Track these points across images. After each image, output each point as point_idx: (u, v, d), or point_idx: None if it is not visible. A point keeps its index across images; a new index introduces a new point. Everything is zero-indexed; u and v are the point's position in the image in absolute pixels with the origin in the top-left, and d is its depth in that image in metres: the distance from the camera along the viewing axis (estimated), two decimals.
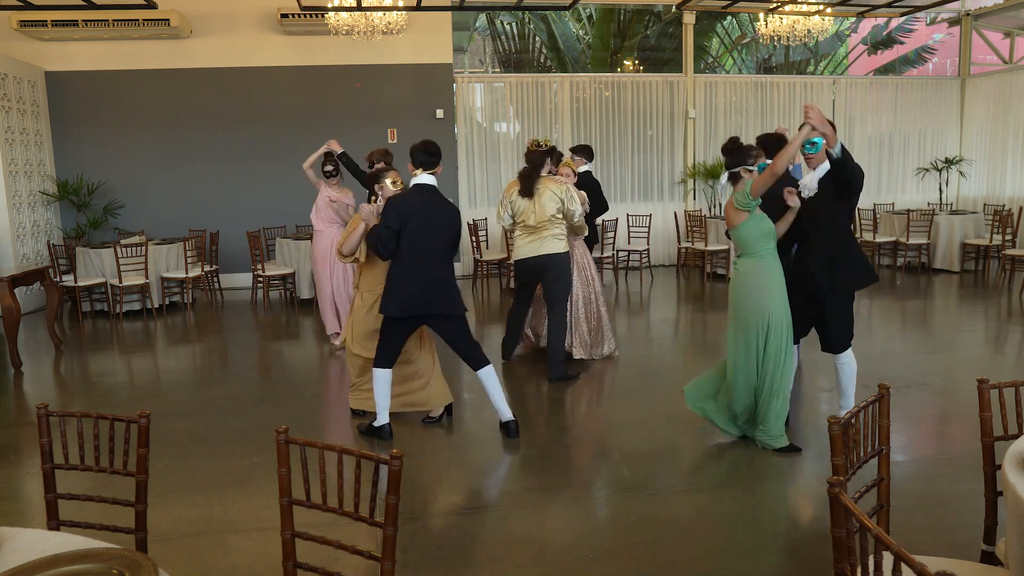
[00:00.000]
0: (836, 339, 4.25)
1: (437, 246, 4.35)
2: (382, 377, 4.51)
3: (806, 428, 4.66)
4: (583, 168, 6.92)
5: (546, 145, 5.81)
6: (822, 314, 4.23)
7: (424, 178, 4.41)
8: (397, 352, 4.52)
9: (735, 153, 4.18)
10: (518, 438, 4.57)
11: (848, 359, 4.30)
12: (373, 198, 4.59)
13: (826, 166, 4.10)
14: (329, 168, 6.79)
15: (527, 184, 5.64)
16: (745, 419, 4.34)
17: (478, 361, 4.56)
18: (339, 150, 6.72)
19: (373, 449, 4.34)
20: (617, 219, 10.19)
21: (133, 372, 6.59)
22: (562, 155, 6.15)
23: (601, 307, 6.29)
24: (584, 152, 7.12)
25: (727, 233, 4.29)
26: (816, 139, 4.08)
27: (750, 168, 4.14)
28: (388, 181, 4.52)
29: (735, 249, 4.24)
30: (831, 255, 4.14)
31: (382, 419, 4.58)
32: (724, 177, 4.23)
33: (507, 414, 4.59)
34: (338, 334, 6.92)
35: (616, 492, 3.85)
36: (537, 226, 5.61)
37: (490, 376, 4.56)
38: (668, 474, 4.08)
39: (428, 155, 4.42)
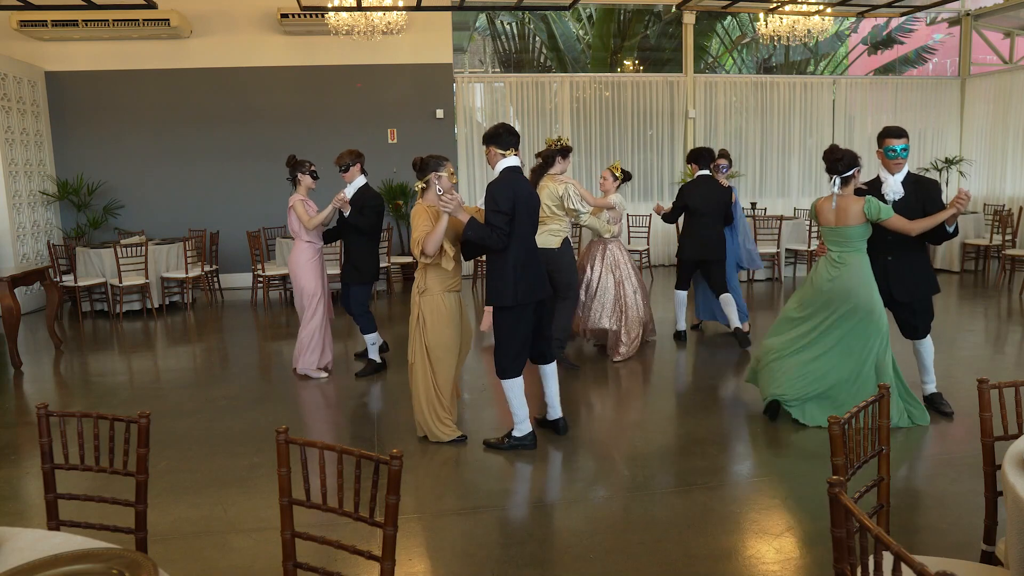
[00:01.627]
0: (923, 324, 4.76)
1: (531, 228, 4.23)
2: (517, 386, 4.24)
3: (806, 428, 4.67)
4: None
5: (563, 144, 5.83)
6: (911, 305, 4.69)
7: (514, 159, 4.23)
8: (524, 353, 4.26)
9: (846, 159, 4.35)
10: (566, 435, 4.56)
11: (930, 342, 4.83)
12: (420, 189, 4.39)
13: (905, 170, 4.48)
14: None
15: (533, 180, 5.68)
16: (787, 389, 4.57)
17: (547, 356, 4.48)
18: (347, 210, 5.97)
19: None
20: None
21: (133, 372, 6.59)
22: (567, 151, 5.95)
23: (630, 308, 6.28)
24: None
25: (819, 228, 4.59)
26: (898, 146, 4.44)
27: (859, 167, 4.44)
28: (445, 173, 4.31)
29: (830, 245, 4.48)
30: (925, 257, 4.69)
31: (526, 428, 4.33)
32: (837, 182, 4.38)
33: (557, 412, 4.58)
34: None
35: (616, 492, 3.85)
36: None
37: (553, 374, 4.52)
38: (668, 474, 4.08)
39: (513, 135, 4.24)
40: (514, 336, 4.20)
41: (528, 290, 4.13)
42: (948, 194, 12.04)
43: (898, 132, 4.44)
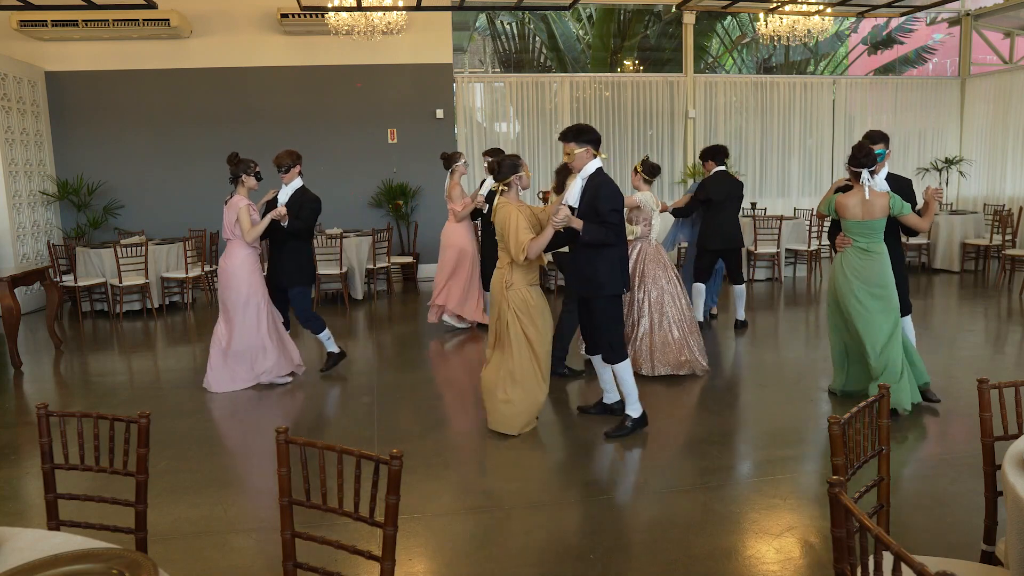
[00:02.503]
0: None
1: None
2: (629, 368, 4.50)
3: (806, 428, 4.67)
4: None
5: None
6: None
7: (600, 160, 4.41)
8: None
9: (869, 156, 4.71)
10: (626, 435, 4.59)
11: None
12: (501, 190, 4.44)
13: (886, 170, 4.92)
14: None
15: (558, 181, 5.67)
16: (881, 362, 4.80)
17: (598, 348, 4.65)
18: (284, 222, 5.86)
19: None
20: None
21: (133, 372, 6.59)
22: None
23: (667, 325, 5.74)
24: (492, 153, 6.90)
25: (843, 222, 4.88)
26: (882, 150, 4.90)
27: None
28: (525, 174, 4.47)
29: (857, 237, 4.81)
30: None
31: (639, 408, 4.55)
32: (868, 176, 4.72)
33: (615, 395, 4.79)
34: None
35: (616, 492, 3.85)
36: None
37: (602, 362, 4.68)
38: (668, 474, 4.08)
39: (599, 136, 4.45)
40: (618, 321, 4.48)
41: (627, 279, 4.46)
42: (947, 196, 12.04)
43: (882, 137, 4.97)
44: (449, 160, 7.26)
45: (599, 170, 4.35)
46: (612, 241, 4.25)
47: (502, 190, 4.44)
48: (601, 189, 4.25)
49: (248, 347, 5.62)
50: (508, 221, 4.27)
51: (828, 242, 5.55)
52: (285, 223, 5.66)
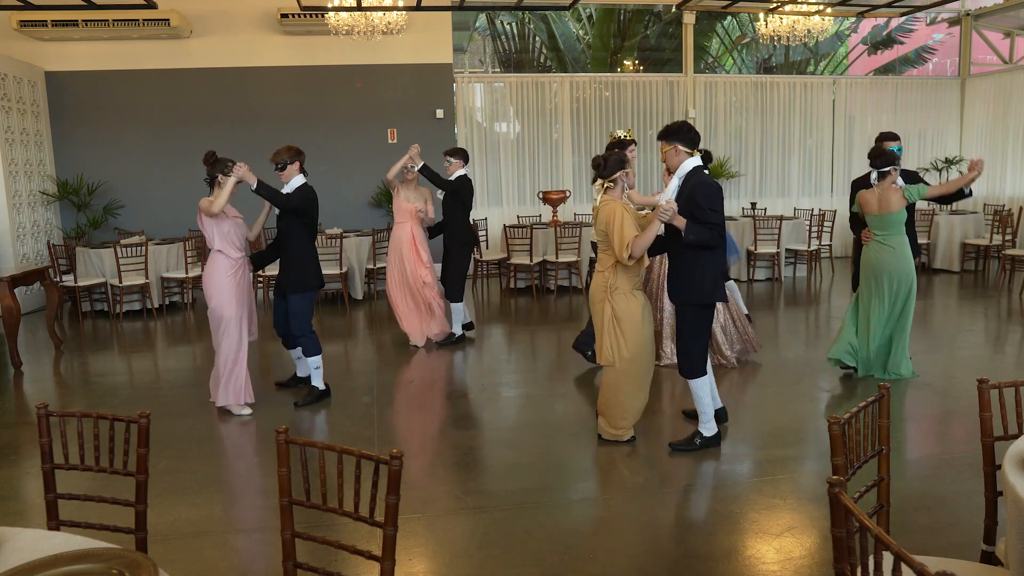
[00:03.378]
0: None
1: None
2: (707, 384, 4.28)
3: (806, 428, 4.67)
4: (459, 172, 6.76)
5: (628, 136, 5.84)
6: None
7: (699, 159, 4.26)
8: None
9: (885, 156, 5.17)
10: (725, 423, 4.64)
11: None
12: (605, 187, 4.27)
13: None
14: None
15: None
16: (874, 358, 5.46)
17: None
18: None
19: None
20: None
21: (133, 372, 6.59)
22: (625, 144, 5.74)
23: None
24: (460, 155, 6.82)
25: (863, 216, 5.40)
26: (895, 147, 5.51)
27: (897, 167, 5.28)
28: (630, 170, 4.36)
29: (875, 230, 5.31)
30: None
31: (714, 427, 4.33)
32: (875, 175, 5.23)
33: (719, 402, 4.63)
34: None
35: (616, 492, 3.85)
36: None
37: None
38: (668, 474, 4.08)
39: (698, 135, 4.29)
40: (706, 333, 4.25)
41: (723, 290, 4.26)
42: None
43: (894, 135, 5.70)
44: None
45: (696, 168, 4.18)
46: (716, 243, 4.04)
47: (607, 187, 4.22)
48: (698, 188, 4.06)
49: (223, 364, 5.10)
50: (613, 218, 4.06)
51: (853, 235, 5.87)
52: (254, 185, 5.12)
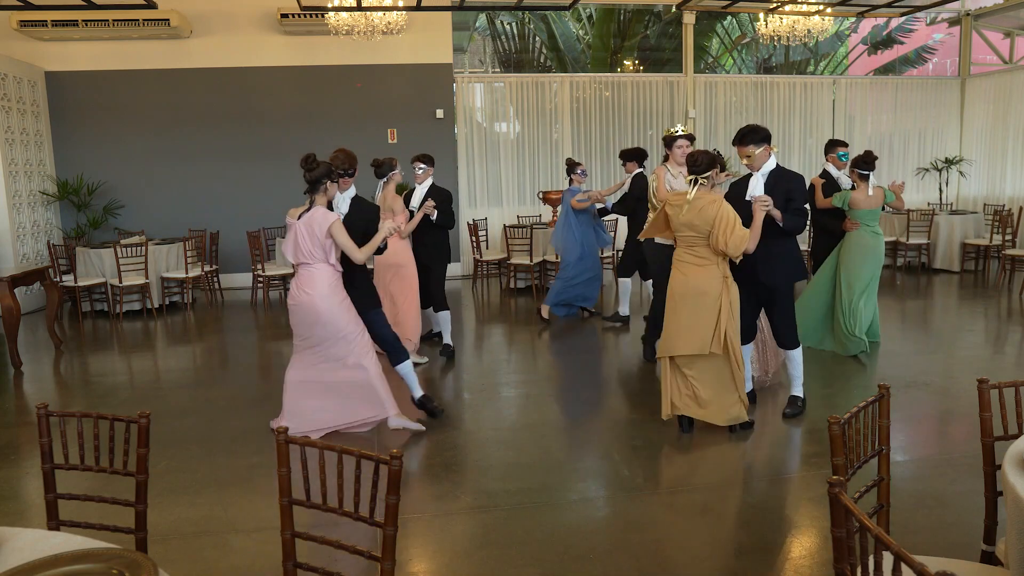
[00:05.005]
0: None
1: None
2: (801, 352, 4.85)
3: (806, 428, 4.67)
4: (430, 180, 6.43)
5: (684, 132, 5.93)
6: None
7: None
8: None
9: (871, 161, 6.03)
10: (801, 415, 4.85)
11: None
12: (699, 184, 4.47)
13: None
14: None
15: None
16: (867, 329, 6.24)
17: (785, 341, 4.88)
18: (434, 214, 6.15)
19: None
20: (617, 219, 10.17)
21: (133, 372, 6.59)
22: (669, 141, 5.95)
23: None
24: (427, 160, 6.45)
25: (855, 212, 6.13)
26: (843, 153, 6.50)
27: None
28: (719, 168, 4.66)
29: (868, 221, 6.13)
30: None
31: (800, 390, 4.91)
32: (858, 175, 6.11)
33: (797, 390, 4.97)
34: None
35: (616, 492, 3.85)
36: None
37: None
38: (668, 474, 4.08)
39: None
40: (794, 308, 4.80)
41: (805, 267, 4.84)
42: (947, 196, 12.04)
43: (844, 143, 6.55)
44: (383, 167, 6.08)
45: (777, 165, 4.61)
46: (803, 230, 4.63)
47: (700, 184, 4.33)
48: (794, 182, 4.55)
49: (376, 378, 4.60)
50: (727, 215, 4.21)
51: (815, 229, 6.67)
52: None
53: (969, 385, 5.28)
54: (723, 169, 5.15)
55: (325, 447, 2.02)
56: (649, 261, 6.11)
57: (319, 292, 4.38)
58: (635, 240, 7.15)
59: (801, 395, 4.88)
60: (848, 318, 6.12)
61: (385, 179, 6.05)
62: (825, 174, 6.48)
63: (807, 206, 4.64)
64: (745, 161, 4.53)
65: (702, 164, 4.32)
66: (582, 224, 7.63)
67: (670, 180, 5.87)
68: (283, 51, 10.30)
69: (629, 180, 7.26)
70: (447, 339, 6.67)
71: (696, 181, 4.32)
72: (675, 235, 4.49)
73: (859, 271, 6.12)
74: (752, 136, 4.47)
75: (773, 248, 4.49)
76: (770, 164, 4.54)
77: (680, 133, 5.89)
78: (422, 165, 6.36)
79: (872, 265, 6.14)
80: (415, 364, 5.83)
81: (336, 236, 4.32)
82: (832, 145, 6.60)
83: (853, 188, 6.13)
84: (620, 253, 7.61)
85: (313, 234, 4.31)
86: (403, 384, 4.92)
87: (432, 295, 6.56)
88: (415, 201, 6.33)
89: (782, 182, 4.51)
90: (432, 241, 6.44)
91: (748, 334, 4.75)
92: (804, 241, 9.38)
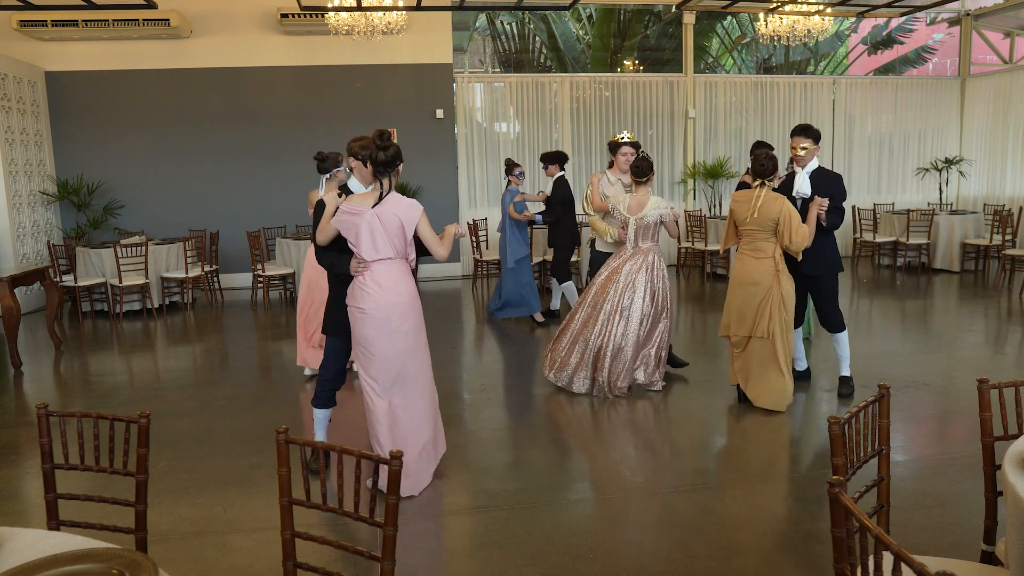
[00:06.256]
0: None
1: None
2: (846, 336, 5.20)
3: (806, 428, 4.67)
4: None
5: (631, 140, 5.99)
6: None
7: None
8: None
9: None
10: (851, 395, 5.13)
11: None
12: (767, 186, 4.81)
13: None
14: None
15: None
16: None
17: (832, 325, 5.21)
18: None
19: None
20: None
21: (133, 372, 6.59)
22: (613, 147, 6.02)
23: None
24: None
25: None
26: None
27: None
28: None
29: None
30: None
31: (848, 370, 5.24)
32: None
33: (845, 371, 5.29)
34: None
35: (616, 492, 3.85)
36: None
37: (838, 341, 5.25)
38: (668, 474, 4.08)
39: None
40: (837, 296, 5.15)
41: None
42: (947, 196, 12.04)
43: (770, 145, 6.19)
44: (327, 162, 5.42)
45: (820, 166, 4.99)
46: (841, 224, 5.01)
47: (762, 183, 4.77)
48: (834, 182, 4.93)
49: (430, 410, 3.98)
50: (790, 213, 4.69)
51: None
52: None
53: (969, 385, 5.28)
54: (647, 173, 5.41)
55: (325, 447, 2.02)
56: (591, 264, 6.06)
57: (408, 290, 3.78)
58: (562, 243, 7.54)
59: (850, 375, 5.25)
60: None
61: (329, 175, 5.46)
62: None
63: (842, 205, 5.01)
64: (800, 153, 4.91)
65: (771, 168, 4.75)
66: (520, 231, 7.75)
67: (604, 187, 5.92)
68: (283, 51, 10.30)
69: (551, 184, 7.47)
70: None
71: (764, 183, 4.78)
72: (740, 230, 4.96)
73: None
74: (809, 131, 4.94)
75: (815, 242, 4.87)
76: (813, 164, 4.96)
77: (626, 140, 5.95)
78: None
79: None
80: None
81: (422, 227, 3.75)
82: (759, 147, 6.80)
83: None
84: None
85: (392, 224, 3.68)
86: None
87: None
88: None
89: (825, 181, 4.90)
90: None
91: (797, 321, 5.22)
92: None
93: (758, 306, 4.84)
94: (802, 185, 4.92)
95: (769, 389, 4.91)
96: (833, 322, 5.14)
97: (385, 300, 3.68)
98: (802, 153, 4.91)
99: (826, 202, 4.78)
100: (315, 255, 3.92)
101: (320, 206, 3.92)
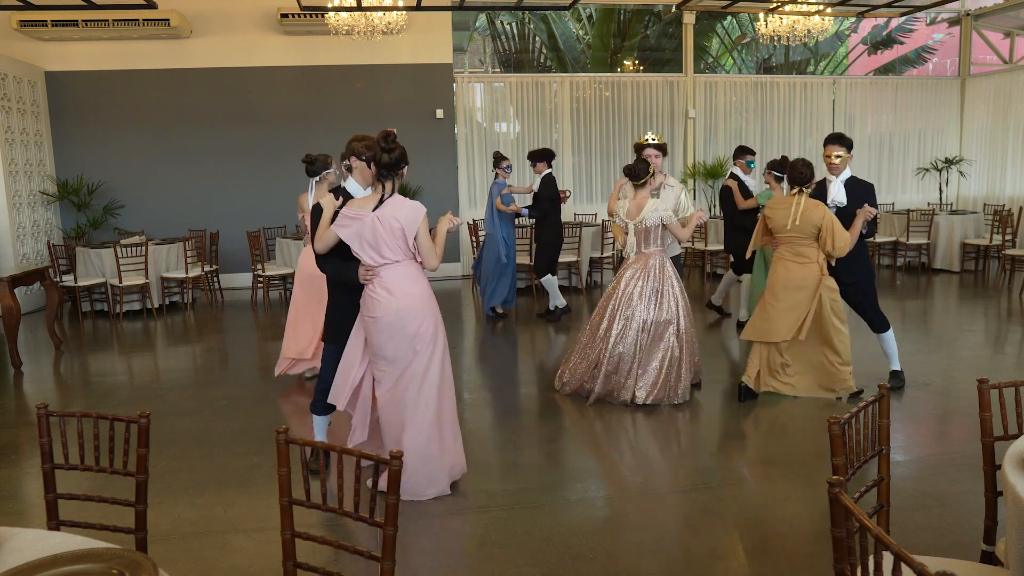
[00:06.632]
0: None
1: None
2: (892, 334, 5.35)
3: (806, 428, 4.67)
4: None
5: (659, 141, 5.93)
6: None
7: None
8: None
9: (785, 166, 6.13)
10: (903, 387, 5.27)
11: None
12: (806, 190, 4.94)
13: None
14: None
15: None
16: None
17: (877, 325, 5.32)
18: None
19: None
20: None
21: (133, 372, 6.59)
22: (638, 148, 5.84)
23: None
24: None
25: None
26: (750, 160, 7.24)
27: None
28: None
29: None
30: None
31: (898, 364, 5.40)
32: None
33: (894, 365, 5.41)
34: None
35: (616, 492, 3.85)
36: None
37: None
38: (668, 474, 4.08)
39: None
40: (876, 298, 5.28)
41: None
42: (947, 196, 12.04)
43: (752, 151, 7.32)
44: (316, 164, 5.36)
45: (852, 175, 5.14)
46: (875, 231, 5.28)
47: (800, 191, 4.90)
48: (869, 190, 5.05)
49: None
50: (833, 219, 4.81)
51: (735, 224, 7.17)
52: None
53: (969, 385, 5.28)
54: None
55: (325, 447, 2.02)
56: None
57: (420, 292, 3.63)
58: (547, 240, 7.71)
59: (899, 368, 5.38)
60: None
61: (318, 178, 5.37)
62: (735, 177, 7.14)
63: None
64: (835, 161, 5.03)
65: (810, 174, 4.88)
66: (505, 223, 7.84)
67: (628, 190, 5.48)
68: (283, 51, 10.30)
69: (539, 181, 7.57)
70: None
71: (802, 191, 4.87)
72: (777, 236, 5.04)
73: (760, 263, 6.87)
74: (842, 140, 5.08)
75: (851, 249, 4.98)
76: (846, 172, 5.08)
77: (651, 141, 5.75)
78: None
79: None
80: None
81: (421, 234, 3.61)
82: (741, 152, 7.37)
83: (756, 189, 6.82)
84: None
85: (394, 229, 3.56)
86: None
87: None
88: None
89: (858, 190, 5.02)
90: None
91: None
92: None
93: (809, 309, 4.93)
94: (837, 194, 5.02)
95: (826, 378, 5.09)
96: (878, 323, 5.26)
97: (396, 306, 3.56)
98: (836, 161, 5.02)
99: (875, 211, 4.86)
100: (316, 262, 3.80)
101: (317, 211, 3.78)
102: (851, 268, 5.09)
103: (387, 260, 3.59)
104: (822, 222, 4.79)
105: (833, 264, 5.01)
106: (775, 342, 5.05)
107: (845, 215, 4.98)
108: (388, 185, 3.61)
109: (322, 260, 3.77)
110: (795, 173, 4.85)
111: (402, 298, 3.57)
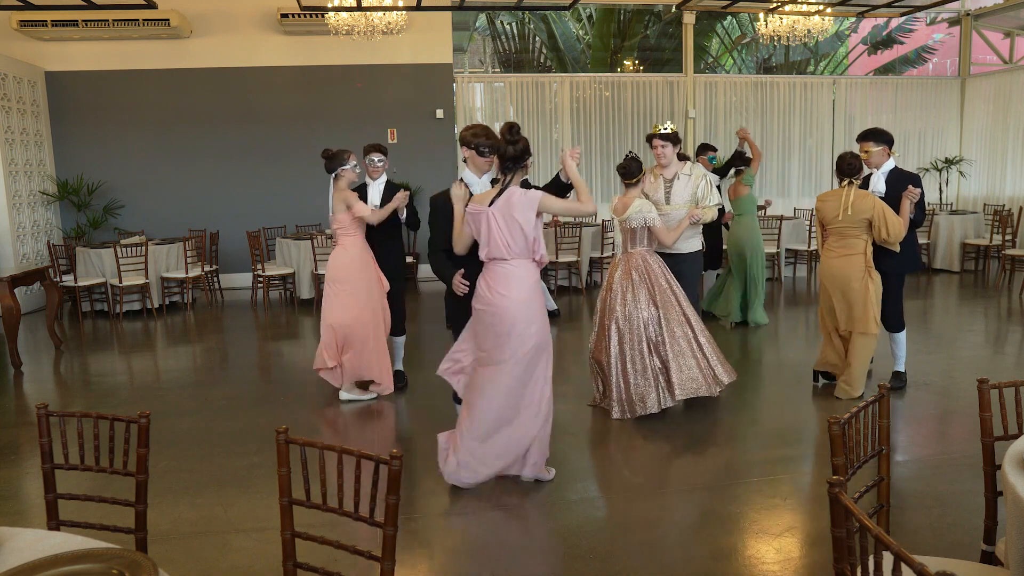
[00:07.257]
0: None
1: None
2: (904, 336, 5.32)
3: (806, 428, 4.67)
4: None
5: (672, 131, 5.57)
6: None
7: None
8: None
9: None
10: (903, 388, 5.28)
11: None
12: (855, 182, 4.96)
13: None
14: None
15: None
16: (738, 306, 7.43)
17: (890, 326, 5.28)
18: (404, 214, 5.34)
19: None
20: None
21: (133, 372, 6.59)
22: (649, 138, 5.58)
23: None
24: (383, 151, 5.69)
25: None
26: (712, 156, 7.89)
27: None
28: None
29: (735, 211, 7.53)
30: None
31: (903, 367, 5.37)
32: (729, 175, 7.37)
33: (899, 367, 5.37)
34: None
35: (616, 492, 3.85)
36: None
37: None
38: (668, 474, 4.08)
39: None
40: (902, 296, 5.23)
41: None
42: (946, 196, 12.04)
43: (714, 147, 8.00)
44: (334, 160, 5.23)
45: (896, 167, 5.16)
46: (923, 222, 5.15)
47: (849, 182, 4.93)
48: (914, 180, 5.04)
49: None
50: (884, 207, 4.86)
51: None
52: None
53: (969, 385, 5.28)
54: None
55: (325, 447, 2.02)
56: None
57: (517, 295, 3.63)
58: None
59: (903, 370, 5.35)
60: (760, 288, 7.40)
61: (335, 174, 5.21)
62: None
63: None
64: (867, 156, 5.09)
65: (859, 167, 4.92)
66: None
67: (650, 180, 5.39)
68: (283, 51, 10.30)
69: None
70: (398, 364, 5.75)
71: (851, 182, 4.90)
72: (827, 228, 5.07)
73: (760, 247, 7.44)
74: (873, 135, 5.15)
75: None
76: (889, 164, 5.14)
77: (662, 130, 5.39)
78: (380, 156, 5.42)
79: (761, 247, 7.50)
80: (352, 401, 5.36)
81: (550, 205, 3.69)
82: (704, 148, 7.89)
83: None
84: None
85: (509, 222, 3.57)
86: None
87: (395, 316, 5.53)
88: (374, 198, 5.39)
89: (902, 181, 5.03)
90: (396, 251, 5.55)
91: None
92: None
93: (862, 301, 4.96)
94: (876, 184, 5.13)
95: (855, 381, 5.09)
96: (893, 321, 5.19)
97: (494, 302, 3.64)
98: (866, 156, 5.11)
99: (918, 192, 4.89)
100: (429, 257, 3.99)
101: (443, 206, 4.06)
102: (888, 258, 5.04)
103: (494, 256, 3.67)
104: (872, 211, 4.84)
105: (896, 250, 4.96)
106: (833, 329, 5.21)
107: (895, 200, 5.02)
108: (510, 177, 3.73)
109: (433, 256, 4.07)
110: (844, 165, 4.93)
111: (497, 298, 3.64)
